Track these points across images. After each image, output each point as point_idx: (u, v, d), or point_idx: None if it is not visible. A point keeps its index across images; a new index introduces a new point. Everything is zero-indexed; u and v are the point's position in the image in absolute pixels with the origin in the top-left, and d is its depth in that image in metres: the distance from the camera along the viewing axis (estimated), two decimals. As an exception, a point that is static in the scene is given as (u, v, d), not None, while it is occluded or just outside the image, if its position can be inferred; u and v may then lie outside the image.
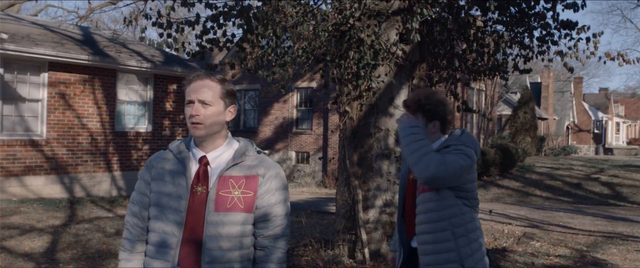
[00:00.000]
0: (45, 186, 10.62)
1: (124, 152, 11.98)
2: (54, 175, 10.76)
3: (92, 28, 17.16)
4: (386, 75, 5.82)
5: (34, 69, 10.47)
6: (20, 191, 10.21)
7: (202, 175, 2.03)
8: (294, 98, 20.25)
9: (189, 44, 5.77)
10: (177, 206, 2.00)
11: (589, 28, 5.93)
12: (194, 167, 2.06)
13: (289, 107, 20.24)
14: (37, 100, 10.54)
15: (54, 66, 10.67)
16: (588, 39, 5.89)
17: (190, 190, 2.01)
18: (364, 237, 5.75)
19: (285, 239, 2.11)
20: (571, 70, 5.80)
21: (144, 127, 12.35)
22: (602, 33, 5.68)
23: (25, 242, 6.82)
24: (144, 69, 11.92)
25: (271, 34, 5.71)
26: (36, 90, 10.53)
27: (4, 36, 9.25)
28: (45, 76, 10.57)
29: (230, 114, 2.10)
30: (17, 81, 10.22)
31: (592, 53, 6.13)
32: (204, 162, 2.05)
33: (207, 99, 2.01)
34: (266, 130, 20.85)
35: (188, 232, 1.99)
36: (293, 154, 20.42)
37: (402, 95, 5.91)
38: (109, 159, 11.72)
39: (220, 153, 2.08)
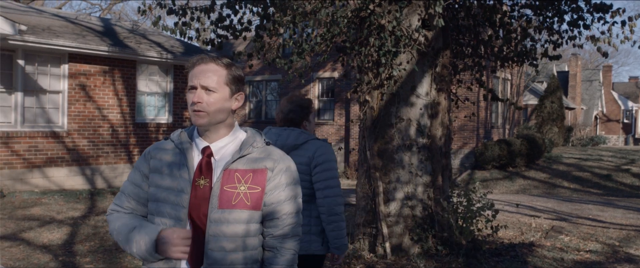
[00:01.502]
0: (67, 177, 10.67)
1: (145, 144, 11.97)
2: (75, 166, 10.80)
3: (113, 19, 17.21)
4: (408, 62, 5.59)
5: (54, 61, 10.48)
6: (42, 182, 10.27)
7: (205, 167, 1.85)
8: (316, 88, 20.08)
9: (204, 30, 5.61)
10: (179, 201, 1.83)
11: (624, 11, 5.60)
12: (196, 158, 1.89)
13: (310, 97, 20.08)
14: (57, 92, 10.56)
15: (75, 57, 10.68)
16: (624, 23, 5.56)
17: (193, 184, 1.84)
18: (385, 230, 5.56)
19: (296, 239, 1.92)
20: (605, 55, 5.48)
21: (164, 118, 12.32)
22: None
23: (44, 233, 6.81)
24: (164, 60, 11.87)
25: (288, 21, 5.53)
26: (57, 82, 10.55)
27: (23, 28, 9.25)
28: (65, 68, 10.58)
29: (236, 102, 1.92)
30: (38, 73, 10.25)
31: (627, 37, 5.79)
32: (207, 153, 1.87)
33: (211, 85, 1.84)
34: (287, 121, 20.71)
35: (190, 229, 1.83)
36: (314, 145, 20.24)
37: (425, 84, 5.67)
38: (130, 150, 11.73)
39: (225, 144, 1.91)
